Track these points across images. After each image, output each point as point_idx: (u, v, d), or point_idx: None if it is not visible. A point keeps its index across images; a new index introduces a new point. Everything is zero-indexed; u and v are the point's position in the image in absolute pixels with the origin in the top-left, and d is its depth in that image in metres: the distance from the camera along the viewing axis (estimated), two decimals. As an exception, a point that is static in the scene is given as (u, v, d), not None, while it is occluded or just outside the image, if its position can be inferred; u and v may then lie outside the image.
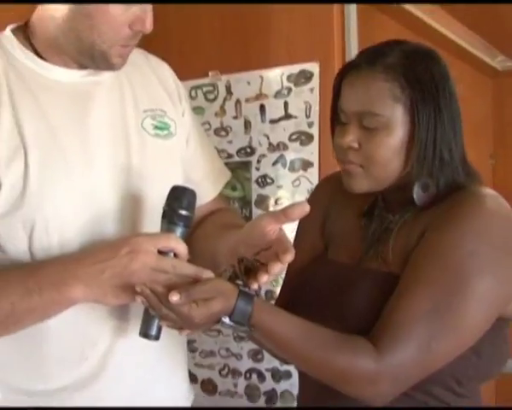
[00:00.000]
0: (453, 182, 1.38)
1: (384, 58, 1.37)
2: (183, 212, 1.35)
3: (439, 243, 1.33)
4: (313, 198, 1.71)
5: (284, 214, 1.34)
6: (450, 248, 1.32)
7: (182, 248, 1.32)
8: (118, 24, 1.38)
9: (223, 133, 2.97)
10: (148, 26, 1.40)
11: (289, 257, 1.29)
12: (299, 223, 1.67)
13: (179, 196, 1.36)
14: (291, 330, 1.32)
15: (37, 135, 1.41)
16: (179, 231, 1.35)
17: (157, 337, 1.34)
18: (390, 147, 1.37)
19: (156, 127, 1.57)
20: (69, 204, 1.42)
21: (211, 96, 3.00)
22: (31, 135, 1.40)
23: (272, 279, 1.34)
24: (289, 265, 1.58)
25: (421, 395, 1.34)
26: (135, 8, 1.38)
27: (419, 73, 1.36)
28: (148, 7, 1.40)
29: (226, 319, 1.28)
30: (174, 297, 1.22)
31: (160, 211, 1.36)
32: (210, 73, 3.00)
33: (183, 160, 1.64)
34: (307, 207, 1.33)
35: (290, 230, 1.49)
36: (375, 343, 1.29)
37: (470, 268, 1.30)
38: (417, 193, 1.38)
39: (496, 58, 4.61)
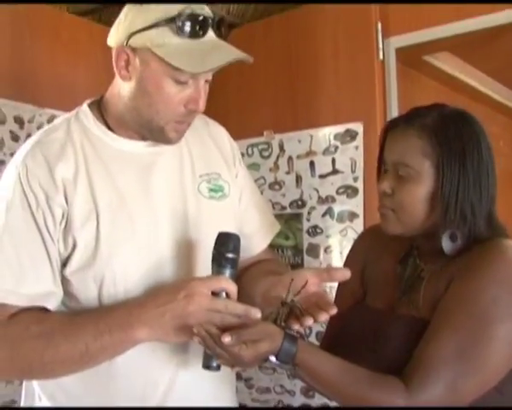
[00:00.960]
0: (474, 236, 1.41)
1: (422, 118, 1.43)
2: (230, 255, 1.39)
3: (464, 291, 1.36)
4: (354, 248, 1.75)
5: (327, 274, 1.43)
6: (474, 296, 1.34)
7: (232, 287, 1.36)
8: (173, 103, 1.44)
9: (276, 187, 3.02)
10: (201, 106, 1.46)
11: (334, 310, 1.35)
12: None
13: (225, 242, 1.40)
14: (330, 369, 1.37)
15: (108, 200, 1.47)
16: (228, 272, 1.39)
17: (218, 368, 1.39)
18: (416, 196, 1.41)
19: (211, 190, 1.61)
20: (134, 261, 1.47)
21: (265, 154, 3.07)
22: (102, 200, 1.46)
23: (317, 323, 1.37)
24: None
25: None
26: (189, 90, 1.43)
27: (449, 133, 1.40)
28: (202, 88, 1.45)
29: (273, 359, 1.34)
30: (226, 339, 1.28)
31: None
32: (265, 133, 3.06)
33: (236, 216, 1.68)
34: (348, 274, 1.40)
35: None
36: (406, 382, 1.31)
37: (493, 314, 1.32)
38: (445, 243, 1.42)
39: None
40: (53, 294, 1.45)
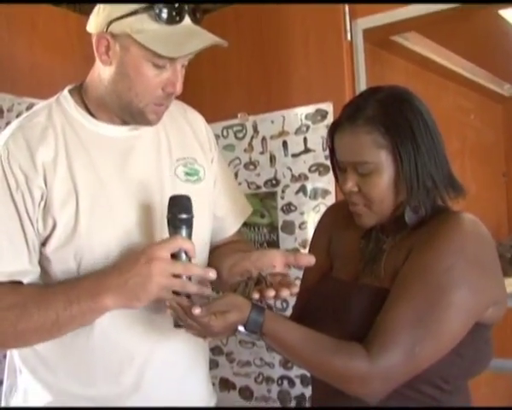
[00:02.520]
0: (439, 206, 1.45)
1: (363, 112, 1.42)
2: (183, 215, 1.41)
3: (421, 261, 1.38)
4: (319, 224, 1.77)
5: (294, 258, 1.47)
6: (430, 266, 1.36)
7: (189, 245, 1.39)
8: (152, 86, 1.47)
9: (251, 167, 3.04)
10: (178, 89, 1.49)
11: (295, 289, 1.41)
12: (310, 246, 1.75)
13: (177, 203, 1.42)
14: (296, 337, 1.39)
15: (87, 183, 1.49)
16: (184, 232, 1.41)
17: None
18: (382, 186, 1.43)
19: (187, 173, 1.64)
20: (112, 240, 1.50)
21: (240, 135, 3.08)
22: (82, 183, 1.49)
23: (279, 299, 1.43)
24: (301, 283, 1.69)
25: (411, 392, 1.39)
26: (167, 73, 1.46)
27: (395, 119, 1.41)
28: (180, 72, 1.48)
29: (241, 329, 1.37)
30: (196, 310, 1.31)
31: None
32: (239, 115, 3.07)
33: (211, 199, 1.71)
34: (313, 260, 1.44)
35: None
36: (368, 348, 1.34)
37: (448, 282, 1.34)
38: (408, 216, 1.44)
39: (503, 86, 4.64)
40: (29, 271, 1.48)
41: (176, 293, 1.39)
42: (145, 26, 1.42)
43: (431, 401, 1.41)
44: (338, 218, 1.69)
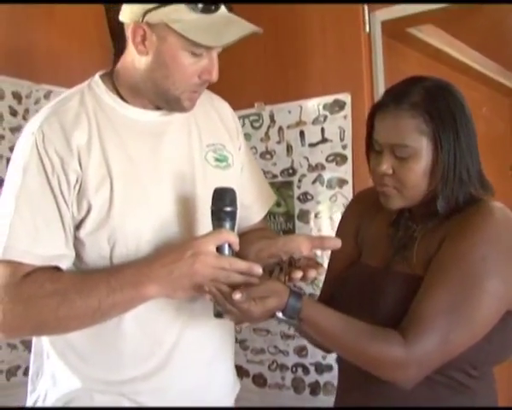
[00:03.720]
0: (470, 195, 1.46)
1: (409, 97, 1.44)
2: (228, 208, 1.43)
3: (456, 249, 1.41)
4: (346, 213, 1.79)
5: (320, 241, 1.48)
6: (464, 254, 1.39)
7: (233, 238, 1.41)
8: (189, 74, 1.48)
9: (268, 156, 3.05)
10: (215, 76, 1.50)
11: (322, 270, 1.43)
12: (337, 233, 1.76)
13: (222, 196, 1.44)
14: (333, 324, 1.41)
15: (121, 166, 1.51)
16: (228, 225, 1.43)
17: None
18: (418, 172, 1.44)
19: (217, 159, 1.66)
20: (145, 224, 1.51)
21: (256, 124, 3.09)
22: (115, 166, 1.50)
23: (307, 281, 1.44)
24: (328, 271, 1.71)
25: (442, 378, 1.42)
26: (203, 61, 1.48)
27: (439, 108, 1.43)
28: (215, 60, 1.50)
29: (280, 314, 1.39)
30: (237, 296, 1.33)
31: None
32: (256, 104, 3.09)
33: (239, 186, 1.70)
34: (339, 243, 1.45)
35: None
36: (404, 335, 1.36)
37: (482, 271, 1.37)
38: (440, 205, 1.45)
39: (512, 79, 4.67)
40: (65, 256, 1.48)
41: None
42: (182, 16, 1.42)
43: (458, 385, 1.44)
44: (366, 205, 1.71)
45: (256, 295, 1.37)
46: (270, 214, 2.99)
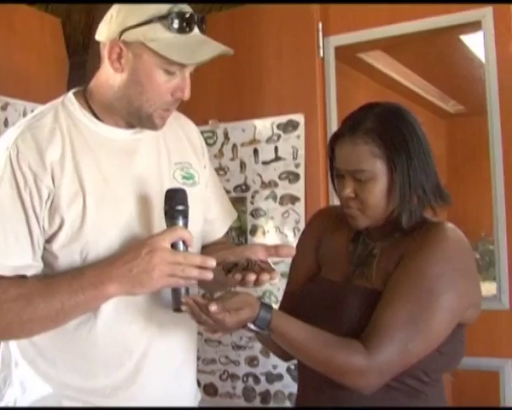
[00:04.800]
0: (431, 207, 1.58)
1: (362, 125, 1.54)
2: (180, 207, 1.50)
3: (413, 266, 1.51)
4: (308, 228, 1.88)
5: (275, 249, 1.56)
6: (421, 271, 1.50)
7: (187, 234, 1.48)
8: (162, 92, 1.53)
9: (221, 172, 3.07)
10: (187, 94, 1.56)
11: (276, 275, 1.49)
12: (297, 248, 1.78)
13: (173, 196, 1.51)
14: (301, 334, 1.50)
15: (94, 182, 1.54)
16: (181, 222, 1.50)
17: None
18: (377, 193, 1.54)
19: (184, 177, 1.70)
20: (116, 238, 1.56)
21: (211, 141, 3.11)
22: (88, 182, 1.54)
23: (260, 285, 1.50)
24: (288, 284, 1.79)
25: (397, 384, 1.51)
26: (176, 80, 1.53)
27: (390, 131, 1.54)
28: (188, 79, 1.55)
29: (251, 325, 1.47)
30: (213, 307, 1.40)
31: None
32: (210, 122, 3.12)
33: (204, 203, 1.78)
34: (293, 251, 1.56)
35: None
36: (365, 345, 1.46)
37: (437, 287, 1.48)
38: (404, 221, 1.55)
39: (449, 103, 4.82)
40: (32, 266, 1.52)
41: (175, 288, 1.48)
42: (158, 35, 1.49)
43: (413, 391, 1.53)
44: (327, 222, 1.80)
45: (230, 307, 1.44)
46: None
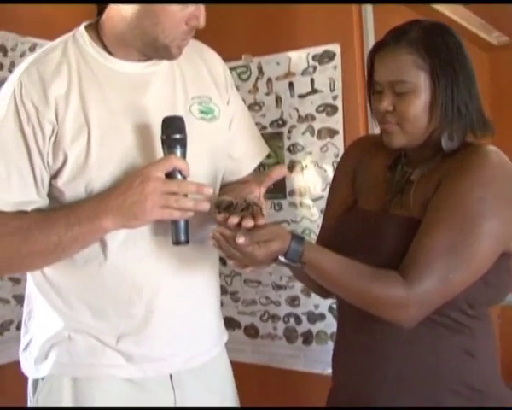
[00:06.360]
0: (472, 132, 1.51)
1: (407, 35, 1.48)
2: (177, 135, 1.47)
3: (454, 191, 1.44)
4: (343, 159, 1.82)
5: (267, 177, 1.50)
6: (462, 195, 1.42)
7: (182, 164, 1.45)
8: (177, 21, 1.49)
9: (256, 108, 3.03)
10: (202, 21, 1.52)
11: (262, 221, 1.40)
12: (333, 180, 1.80)
13: (170, 124, 1.47)
14: (335, 266, 1.44)
15: (100, 117, 1.53)
16: (178, 152, 1.46)
17: (187, 241, 1.48)
18: (418, 106, 1.47)
19: (202, 111, 1.66)
20: (122, 169, 1.53)
21: (244, 76, 3.07)
22: (94, 116, 1.52)
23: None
24: (325, 217, 1.75)
25: (441, 318, 1.45)
26: (191, 8, 1.49)
27: (436, 44, 1.47)
28: (202, 6, 1.51)
29: (282, 258, 1.41)
30: (240, 239, 1.35)
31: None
32: (243, 56, 3.07)
33: (227, 140, 1.74)
34: (284, 170, 1.56)
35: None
36: (404, 275, 1.40)
37: (480, 211, 1.41)
38: (445, 142, 1.49)
39: (492, 34, 4.65)
40: (35, 202, 1.54)
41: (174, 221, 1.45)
42: None
43: (458, 325, 1.48)
44: (363, 151, 1.74)
45: (259, 239, 1.39)
46: (260, 166, 2.95)
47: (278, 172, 1.53)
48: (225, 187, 1.76)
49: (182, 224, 1.46)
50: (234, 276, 3.12)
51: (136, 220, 1.45)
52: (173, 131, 1.47)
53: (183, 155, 1.48)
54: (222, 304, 3.10)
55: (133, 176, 1.45)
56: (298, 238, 1.42)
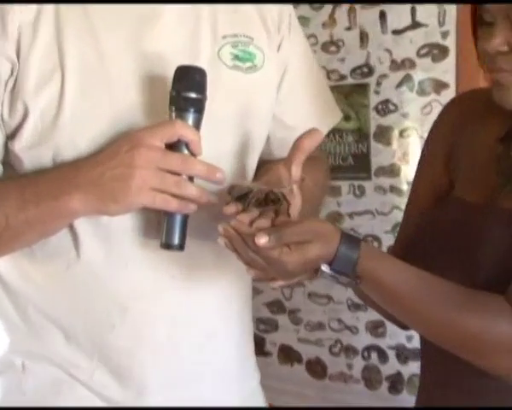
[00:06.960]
0: None
1: None
2: (192, 94, 1.41)
3: None
4: (437, 126, 1.78)
5: (297, 149, 1.44)
6: None
7: (192, 135, 1.39)
8: None
9: (333, 49, 3.03)
10: None
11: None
12: (421, 158, 1.77)
13: (184, 77, 1.43)
14: (407, 282, 1.39)
15: (81, 58, 1.49)
16: (190, 118, 1.42)
17: (181, 247, 1.43)
18: None
19: (237, 57, 1.63)
20: (105, 137, 1.49)
21: (316, 4, 3.06)
22: (72, 57, 1.48)
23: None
24: (408, 208, 1.74)
25: None
26: None
27: None
28: None
29: (326, 268, 1.35)
30: (262, 240, 1.27)
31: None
32: None
33: (274, 98, 1.72)
34: (321, 134, 1.45)
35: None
36: None
37: None
38: None
39: None
40: None
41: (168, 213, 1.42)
42: None
43: None
44: (465, 116, 1.69)
45: (291, 240, 1.32)
46: (334, 132, 3.00)
47: (311, 139, 1.46)
48: (268, 165, 1.72)
49: (178, 220, 1.42)
50: (294, 286, 3.13)
51: (115, 204, 1.38)
52: (187, 87, 1.41)
53: (197, 124, 1.43)
54: (277, 327, 3.18)
55: (119, 141, 1.40)
56: (351, 239, 1.36)
